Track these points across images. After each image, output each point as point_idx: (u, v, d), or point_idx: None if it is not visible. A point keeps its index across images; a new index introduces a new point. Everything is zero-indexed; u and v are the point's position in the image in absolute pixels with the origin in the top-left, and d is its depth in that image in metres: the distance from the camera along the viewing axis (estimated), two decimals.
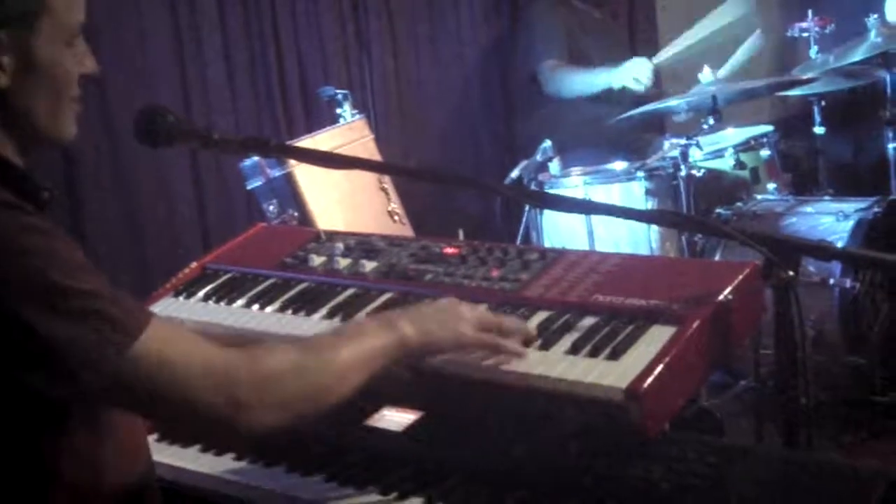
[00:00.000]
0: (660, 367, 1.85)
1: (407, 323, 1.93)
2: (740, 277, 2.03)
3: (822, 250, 2.10)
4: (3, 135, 1.74)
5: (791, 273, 1.92)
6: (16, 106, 1.73)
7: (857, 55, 5.05)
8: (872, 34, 4.99)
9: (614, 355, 1.92)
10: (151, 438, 2.23)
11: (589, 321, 2.05)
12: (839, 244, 4.00)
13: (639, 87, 5.26)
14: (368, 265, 2.46)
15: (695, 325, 1.93)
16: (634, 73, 5.25)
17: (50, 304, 1.57)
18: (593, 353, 1.94)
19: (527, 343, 2.01)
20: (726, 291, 1.99)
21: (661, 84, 5.63)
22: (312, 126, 5.07)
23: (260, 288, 2.54)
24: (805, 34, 5.72)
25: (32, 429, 1.68)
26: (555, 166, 4.78)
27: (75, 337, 1.58)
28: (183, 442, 2.27)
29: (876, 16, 5.10)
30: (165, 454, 2.22)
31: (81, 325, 1.58)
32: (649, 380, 1.83)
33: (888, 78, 5.12)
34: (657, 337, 1.94)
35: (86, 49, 1.83)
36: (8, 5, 1.68)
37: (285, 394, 1.75)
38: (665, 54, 5.38)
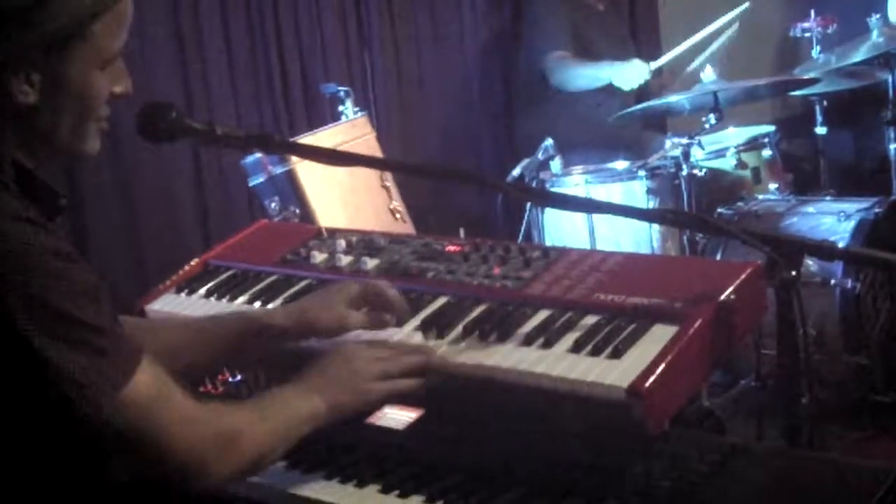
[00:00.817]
0: (662, 367, 1.85)
1: (319, 398, 1.97)
2: (742, 277, 2.02)
3: (825, 250, 2.09)
4: (24, 146, 1.74)
5: (793, 273, 1.92)
6: (40, 122, 1.73)
7: (860, 55, 5.05)
8: (875, 34, 4.99)
9: (616, 354, 1.92)
10: None
11: (591, 320, 2.05)
12: (840, 244, 3.99)
13: (627, 89, 5.29)
14: (370, 262, 2.46)
15: (697, 324, 1.93)
16: (629, 77, 5.27)
17: (57, 331, 1.58)
18: (595, 352, 1.95)
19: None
20: (728, 291, 1.99)
21: (667, 79, 5.65)
22: (314, 123, 5.07)
23: (262, 285, 2.54)
24: (807, 34, 5.73)
25: (39, 430, 1.68)
26: (556, 165, 4.78)
27: (78, 368, 1.59)
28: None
29: (878, 16, 5.10)
30: None
31: (84, 359, 1.59)
32: (651, 379, 1.83)
33: (890, 78, 5.12)
34: (659, 336, 1.94)
35: (122, 69, 1.83)
36: (45, 28, 1.66)
37: (242, 451, 1.80)
38: (662, 59, 5.40)
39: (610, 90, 5.36)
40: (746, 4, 5.25)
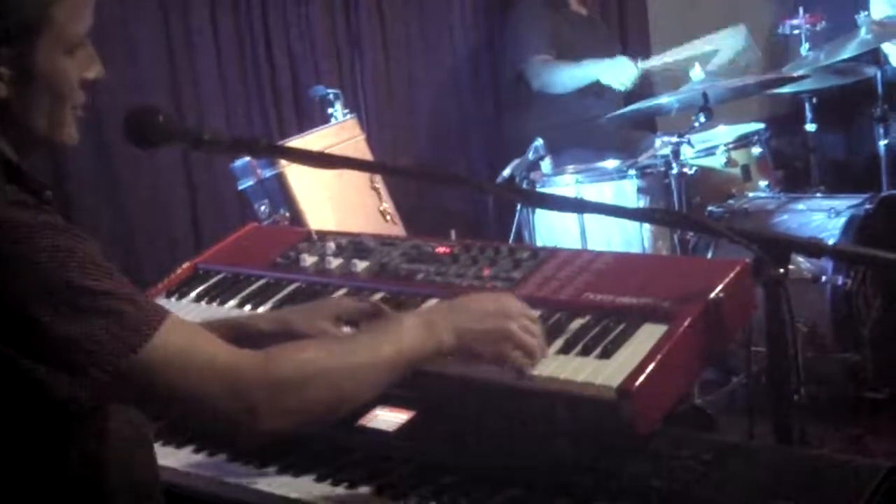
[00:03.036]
0: (651, 366, 1.86)
1: (448, 331, 1.90)
2: (731, 275, 2.03)
3: (812, 247, 2.10)
4: (4, 138, 1.72)
5: (781, 270, 1.93)
6: (15, 114, 1.72)
7: (848, 52, 5.05)
8: (863, 31, 4.99)
9: (606, 354, 1.92)
10: None
11: (580, 320, 2.05)
12: (831, 241, 3.98)
13: (619, 88, 5.30)
14: (360, 265, 2.46)
15: (686, 322, 1.93)
16: (618, 75, 5.28)
17: (65, 303, 1.57)
18: (585, 352, 1.95)
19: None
20: (717, 289, 2.00)
21: (651, 84, 5.66)
22: (304, 126, 5.07)
23: (252, 288, 2.54)
24: (796, 31, 5.74)
25: (41, 431, 1.68)
26: (546, 165, 4.78)
27: (88, 335, 1.58)
28: (176, 443, 2.27)
29: (866, 13, 5.11)
30: (158, 454, 2.21)
31: (95, 324, 1.59)
32: (641, 378, 1.83)
33: (878, 75, 5.13)
34: (648, 335, 1.95)
35: (91, 54, 1.81)
36: (7, 19, 1.65)
37: (300, 400, 1.73)
38: (653, 61, 5.40)
39: (598, 91, 5.37)
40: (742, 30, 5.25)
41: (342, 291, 2.41)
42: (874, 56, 5.14)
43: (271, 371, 1.72)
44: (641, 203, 4.61)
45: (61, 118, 1.77)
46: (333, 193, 4.40)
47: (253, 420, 1.69)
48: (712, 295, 1.99)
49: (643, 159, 4.70)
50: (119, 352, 1.60)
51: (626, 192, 4.65)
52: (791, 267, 1.95)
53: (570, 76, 5.41)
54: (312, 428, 1.88)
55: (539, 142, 4.67)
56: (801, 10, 5.71)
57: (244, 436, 1.77)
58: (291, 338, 2.10)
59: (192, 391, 1.66)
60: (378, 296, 2.35)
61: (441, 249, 2.44)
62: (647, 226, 4.58)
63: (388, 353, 1.83)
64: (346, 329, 2.17)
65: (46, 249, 1.58)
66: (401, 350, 1.84)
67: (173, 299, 2.60)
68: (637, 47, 6.44)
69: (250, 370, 1.70)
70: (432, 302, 2.25)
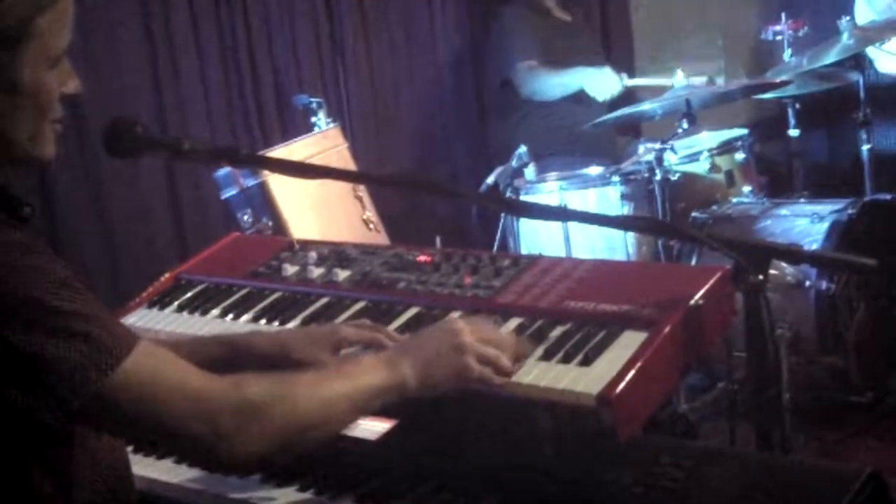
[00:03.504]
0: (631, 373, 1.85)
1: (409, 366, 1.90)
2: (711, 282, 2.03)
3: (791, 254, 2.11)
4: None
5: (760, 277, 1.93)
6: None
7: (831, 57, 5.06)
8: (845, 36, 5.00)
9: (586, 361, 1.92)
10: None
11: (561, 327, 2.05)
12: (814, 246, 4.01)
13: (601, 99, 5.32)
14: (341, 274, 2.46)
15: (666, 329, 1.94)
16: (602, 86, 5.29)
17: (35, 323, 1.57)
18: (565, 360, 1.94)
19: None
20: (697, 296, 2.00)
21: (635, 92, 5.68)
22: (288, 134, 5.06)
23: (233, 298, 2.54)
24: (779, 37, 5.75)
25: (13, 445, 1.67)
26: (530, 172, 4.79)
27: (59, 356, 1.57)
28: (157, 454, 2.26)
29: (848, 18, 5.12)
30: (139, 465, 2.21)
31: (66, 345, 1.58)
32: (621, 385, 1.83)
33: (861, 80, 5.14)
34: (629, 342, 1.94)
35: (69, 69, 1.81)
36: None
37: (269, 425, 1.73)
38: (639, 81, 5.41)
39: (582, 98, 5.38)
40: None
41: (324, 301, 2.41)
42: (856, 61, 5.16)
43: (239, 396, 1.72)
44: (625, 209, 4.61)
45: (42, 134, 1.76)
46: (316, 202, 4.40)
47: (220, 445, 1.69)
48: (692, 302, 1.99)
49: (626, 166, 4.71)
50: (91, 374, 1.59)
51: (610, 198, 4.66)
52: (775, 272, 1.96)
53: (557, 83, 5.44)
54: (281, 459, 1.89)
55: (523, 149, 4.68)
56: (783, 16, 5.73)
57: (210, 460, 1.76)
58: (288, 362, 2.10)
59: (162, 415, 1.66)
60: (359, 305, 2.35)
61: (422, 258, 2.44)
62: (630, 232, 4.59)
63: (351, 385, 1.84)
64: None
65: (14, 269, 1.58)
66: (367, 384, 1.85)
67: (155, 310, 2.60)
68: (621, 53, 6.47)
69: (219, 395, 1.71)
70: (413, 310, 2.25)
